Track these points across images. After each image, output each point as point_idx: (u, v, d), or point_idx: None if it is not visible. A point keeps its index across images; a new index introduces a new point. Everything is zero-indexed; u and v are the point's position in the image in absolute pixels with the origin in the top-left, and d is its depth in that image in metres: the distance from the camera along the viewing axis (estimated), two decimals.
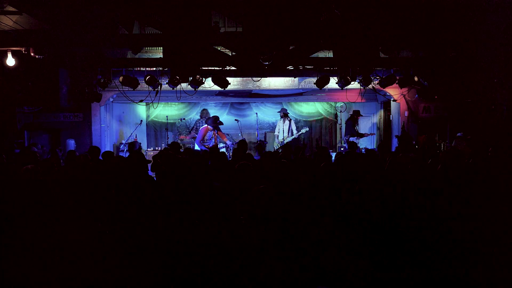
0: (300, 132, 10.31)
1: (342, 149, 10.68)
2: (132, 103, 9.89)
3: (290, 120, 10.36)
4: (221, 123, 9.40)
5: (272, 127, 12.16)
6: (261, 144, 8.21)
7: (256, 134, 10.81)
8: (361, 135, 10.19)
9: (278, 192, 3.71)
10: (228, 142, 9.32)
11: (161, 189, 4.25)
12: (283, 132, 10.26)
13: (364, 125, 12.09)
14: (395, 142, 10.53)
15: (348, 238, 3.13)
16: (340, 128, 12.30)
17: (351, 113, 10.58)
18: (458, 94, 9.69)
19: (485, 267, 2.92)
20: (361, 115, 10.29)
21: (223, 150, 8.80)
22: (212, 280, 2.80)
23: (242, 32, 8.07)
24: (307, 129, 10.61)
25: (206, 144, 9.08)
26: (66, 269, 3.03)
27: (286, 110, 10.63)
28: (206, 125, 9.33)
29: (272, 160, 5.70)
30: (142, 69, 8.86)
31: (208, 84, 8.73)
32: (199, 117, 11.68)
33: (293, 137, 10.12)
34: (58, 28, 7.54)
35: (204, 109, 11.38)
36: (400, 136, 9.58)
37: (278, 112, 10.64)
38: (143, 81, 8.37)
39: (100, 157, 6.48)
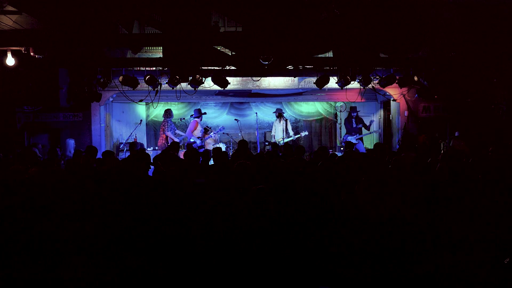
0: (299, 135, 10.34)
1: (342, 149, 10.68)
2: (132, 103, 9.89)
3: (286, 120, 10.37)
4: (205, 113, 9.94)
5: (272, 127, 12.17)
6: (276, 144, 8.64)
7: (256, 134, 10.82)
8: (361, 130, 10.04)
9: (277, 192, 3.71)
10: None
11: (158, 188, 4.26)
12: (280, 132, 10.27)
13: None
14: (395, 142, 10.55)
15: (348, 238, 3.13)
16: (340, 128, 12.29)
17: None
18: (458, 94, 9.70)
19: (485, 266, 2.92)
20: (358, 111, 10.20)
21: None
22: (211, 279, 2.80)
23: (242, 32, 8.07)
24: (306, 132, 10.61)
25: (199, 137, 9.42)
26: (62, 270, 3.03)
27: (281, 110, 10.65)
28: (195, 119, 9.61)
29: (272, 160, 5.71)
30: (142, 69, 8.85)
31: (208, 83, 8.73)
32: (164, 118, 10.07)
33: (291, 138, 10.12)
34: (58, 28, 7.54)
35: (168, 109, 9.98)
36: (402, 136, 9.58)
37: (273, 112, 10.65)
38: (143, 81, 8.38)
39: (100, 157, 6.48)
